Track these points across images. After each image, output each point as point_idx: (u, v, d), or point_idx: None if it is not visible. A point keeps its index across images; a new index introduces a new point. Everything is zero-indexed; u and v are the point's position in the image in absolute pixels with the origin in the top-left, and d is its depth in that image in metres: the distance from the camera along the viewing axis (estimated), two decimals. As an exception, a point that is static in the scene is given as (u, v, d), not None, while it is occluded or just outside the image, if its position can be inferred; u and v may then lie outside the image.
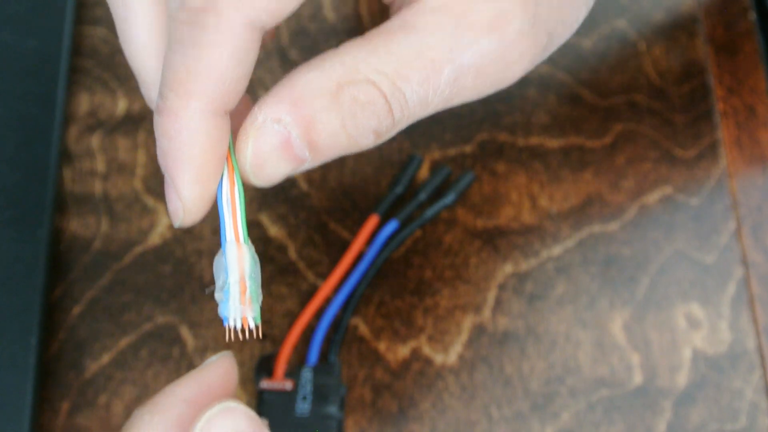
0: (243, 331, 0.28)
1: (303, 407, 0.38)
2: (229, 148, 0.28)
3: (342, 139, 0.27)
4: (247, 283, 0.28)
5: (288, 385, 0.38)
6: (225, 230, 0.28)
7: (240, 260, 0.28)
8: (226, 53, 0.25)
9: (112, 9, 0.29)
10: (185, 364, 0.40)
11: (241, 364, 0.40)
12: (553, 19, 0.29)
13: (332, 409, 0.38)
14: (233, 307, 0.28)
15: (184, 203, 0.28)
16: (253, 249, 0.28)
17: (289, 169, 0.27)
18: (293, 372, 0.39)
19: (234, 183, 0.28)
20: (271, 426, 0.36)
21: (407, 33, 0.26)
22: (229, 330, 0.28)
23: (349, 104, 0.26)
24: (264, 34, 0.27)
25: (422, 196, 0.42)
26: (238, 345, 0.40)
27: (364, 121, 0.26)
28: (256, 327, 0.28)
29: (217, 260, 0.28)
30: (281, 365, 0.39)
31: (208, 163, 0.27)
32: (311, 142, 0.27)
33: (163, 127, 0.27)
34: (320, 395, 0.38)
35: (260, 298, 0.28)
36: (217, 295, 0.28)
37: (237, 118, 0.28)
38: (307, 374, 0.38)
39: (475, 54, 0.27)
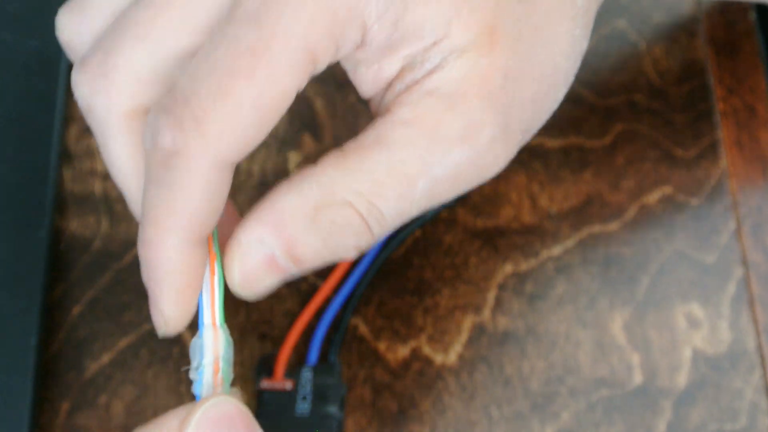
0: None
1: (303, 407, 0.38)
2: (213, 238, 0.29)
3: (325, 254, 0.28)
4: (220, 365, 0.30)
5: (288, 385, 0.38)
6: (203, 314, 0.30)
7: (215, 343, 0.30)
8: (197, 193, 0.26)
9: (94, 135, 0.31)
10: (185, 364, 0.40)
11: (240, 364, 0.40)
12: (526, 117, 0.29)
13: (332, 409, 0.38)
14: (206, 386, 0.30)
15: (166, 320, 0.29)
16: (228, 332, 0.30)
17: (275, 282, 0.29)
18: (293, 372, 0.39)
19: (214, 272, 0.29)
20: (271, 426, 0.36)
21: (381, 148, 0.27)
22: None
23: (327, 226, 0.27)
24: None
25: None
26: (238, 344, 0.40)
27: (343, 240, 0.27)
28: None
29: (194, 342, 0.30)
30: (281, 365, 0.39)
31: (186, 287, 0.28)
32: (295, 258, 0.28)
33: (144, 256, 0.28)
34: (320, 395, 0.38)
35: (231, 377, 0.30)
36: (192, 375, 0.30)
37: (224, 226, 0.30)
38: (307, 374, 0.38)
39: (449, 165, 0.27)
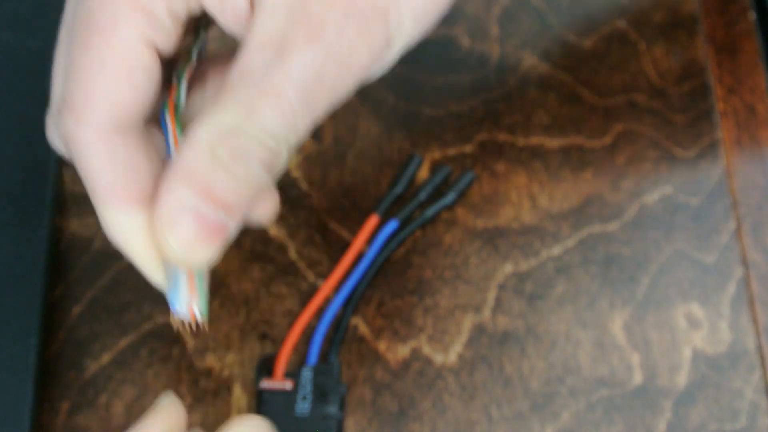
0: (190, 324, 0.30)
1: (303, 407, 0.38)
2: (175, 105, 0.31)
3: (242, 188, 0.28)
4: (195, 279, 0.30)
5: (288, 385, 0.38)
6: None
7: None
8: (108, 75, 0.29)
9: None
10: (185, 364, 0.40)
11: (240, 364, 0.40)
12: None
13: (332, 409, 0.38)
14: (182, 298, 0.30)
15: (110, 231, 0.31)
16: None
17: (217, 240, 0.29)
18: (293, 372, 0.39)
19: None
20: (271, 426, 0.36)
21: (243, 75, 0.28)
22: (175, 321, 0.30)
23: (227, 157, 0.28)
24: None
25: (422, 195, 0.42)
26: (238, 344, 0.40)
27: (248, 165, 0.28)
28: (203, 321, 0.30)
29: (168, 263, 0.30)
30: (281, 365, 0.39)
31: (116, 185, 0.30)
32: (219, 203, 0.28)
33: (71, 153, 0.30)
34: (320, 395, 0.38)
35: (207, 296, 0.30)
36: (167, 289, 0.30)
37: None
38: (307, 374, 0.38)
39: (307, 68, 0.29)
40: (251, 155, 0.28)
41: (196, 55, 0.32)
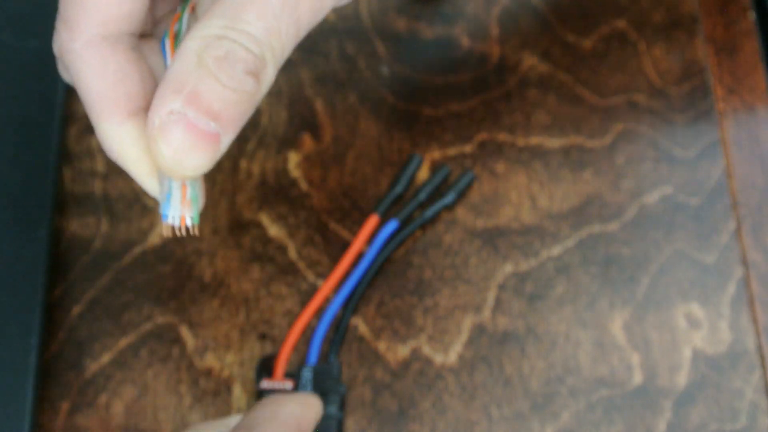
0: (180, 228, 0.30)
1: None
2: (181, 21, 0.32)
3: (228, 94, 0.29)
4: (188, 187, 0.30)
5: (288, 385, 0.38)
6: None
7: None
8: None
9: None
10: (185, 364, 0.40)
11: (240, 364, 0.40)
12: None
13: (332, 409, 0.38)
14: (174, 206, 0.30)
15: (105, 144, 0.31)
16: None
17: (208, 148, 0.29)
18: (293, 372, 0.39)
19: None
20: (271, 426, 0.36)
21: None
22: (166, 227, 0.30)
23: (213, 62, 0.29)
24: None
25: (422, 195, 0.42)
26: (238, 344, 0.40)
27: (233, 69, 0.29)
28: (193, 226, 0.30)
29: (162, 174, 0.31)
30: (281, 365, 0.39)
31: (108, 96, 0.31)
32: (208, 112, 0.29)
33: (67, 69, 0.31)
34: (320, 395, 0.38)
35: (200, 202, 0.31)
36: (160, 198, 0.31)
37: None
38: (307, 374, 0.38)
39: None
40: (236, 60, 0.29)
41: None
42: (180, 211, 0.30)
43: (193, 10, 0.33)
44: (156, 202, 0.42)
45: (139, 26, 0.32)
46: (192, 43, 0.29)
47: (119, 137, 0.31)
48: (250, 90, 0.29)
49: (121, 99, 0.31)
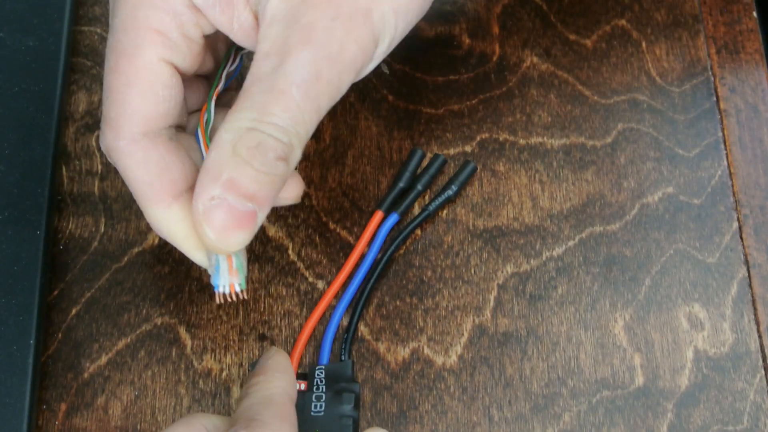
0: (230, 295, 0.34)
1: (317, 407, 0.37)
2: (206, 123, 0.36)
3: (262, 178, 0.32)
4: (233, 259, 0.34)
5: (301, 385, 0.38)
6: None
7: None
8: (134, 91, 0.34)
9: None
10: (184, 365, 0.40)
11: (239, 365, 0.40)
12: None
13: (347, 409, 0.38)
14: (222, 276, 0.34)
15: (155, 226, 0.35)
16: None
17: (248, 226, 0.33)
18: (304, 373, 0.39)
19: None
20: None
21: (254, 81, 0.33)
22: (219, 296, 0.34)
23: (246, 152, 0.32)
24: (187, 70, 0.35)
25: (419, 187, 0.42)
26: (237, 345, 0.40)
27: (264, 156, 0.32)
28: (242, 291, 0.34)
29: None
30: (293, 365, 0.39)
31: (152, 185, 0.35)
32: (245, 195, 0.32)
33: (114, 162, 0.35)
34: (334, 394, 0.38)
35: (246, 271, 0.35)
36: (210, 271, 0.35)
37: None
38: (320, 374, 0.38)
39: (305, 69, 0.33)
40: (266, 148, 0.32)
41: (225, 77, 0.38)
42: (229, 281, 0.34)
43: (218, 96, 0.38)
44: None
45: (175, 120, 0.35)
46: (226, 135, 0.32)
47: (167, 219, 0.35)
48: (281, 172, 0.33)
49: (165, 186, 0.35)
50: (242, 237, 0.33)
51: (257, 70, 0.33)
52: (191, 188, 0.35)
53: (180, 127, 0.37)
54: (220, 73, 0.38)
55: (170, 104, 0.35)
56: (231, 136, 0.32)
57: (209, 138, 0.36)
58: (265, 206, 0.33)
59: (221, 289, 0.35)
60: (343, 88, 0.34)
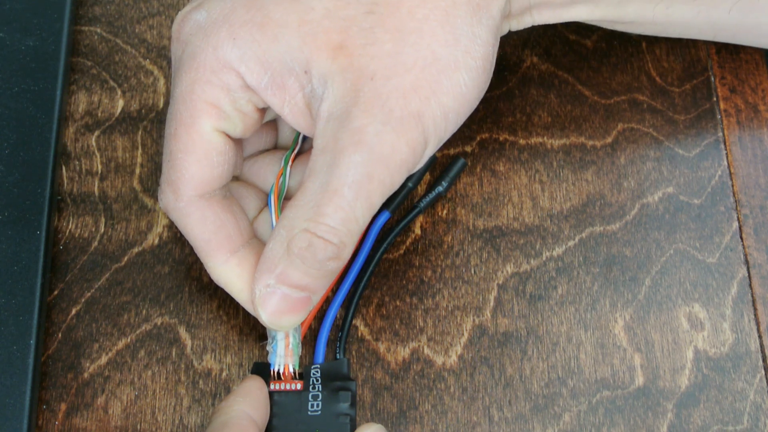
0: (284, 374, 0.38)
1: (314, 406, 0.37)
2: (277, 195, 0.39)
3: (314, 274, 0.35)
4: (290, 340, 0.38)
5: (297, 385, 0.38)
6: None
7: None
8: (191, 158, 0.37)
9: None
10: (184, 365, 0.40)
11: (239, 365, 0.40)
12: (414, 103, 0.35)
13: (344, 407, 0.37)
14: (279, 355, 0.38)
15: (214, 278, 0.38)
16: None
17: (299, 310, 0.36)
18: (301, 372, 0.39)
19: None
20: (285, 426, 0.37)
21: (310, 178, 0.35)
22: (274, 373, 0.38)
23: (299, 252, 0.35)
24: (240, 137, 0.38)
25: (410, 184, 0.42)
26: (237, 345, 0.40)
27: (317, 257, 0.35)
28: (295, 371, 0.38)
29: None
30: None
31: (210, 241, 0.37)
32: (298, 287, 0.36)
33: (174, 220, 0.38)
34: (330, 393, 0.38)
35: (300, 351, 0.38)
36: (268, 347, 0.38)
37: None
38: (315, 373, 0.38)
39: (357, 171, 0.34)
40: (317, 250, 0.35)
41: (301, 140, 0.40)
42: (284, 360, 0.37)
43: (293, 162, 0.40)
44: (153, 201, 0.42)
45: (229, 179, 0.38)
46: (283, 231, 0.35)
47: (225, 273, 0.38)
48: (331, 269, 0.36)
49: (223, 242, 0.37)
50: (293, 319, 0.36)
51: (314, 164, 0.35)
52: (248, 243, 0.38)
53: (236, 178, 0.41)
54: (296, 138, 0.40)
55: (223, 168, 0.37)
56: (286, 233, 0.35)
57: (281, 208, 0.39)
58: (318, 293, 0.36)
59: (276, 368, 0.37)
60: (396, 185, 0.36)
